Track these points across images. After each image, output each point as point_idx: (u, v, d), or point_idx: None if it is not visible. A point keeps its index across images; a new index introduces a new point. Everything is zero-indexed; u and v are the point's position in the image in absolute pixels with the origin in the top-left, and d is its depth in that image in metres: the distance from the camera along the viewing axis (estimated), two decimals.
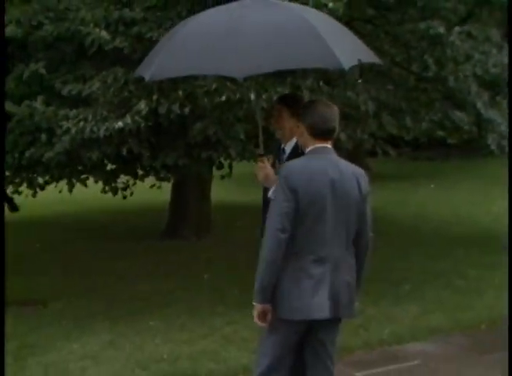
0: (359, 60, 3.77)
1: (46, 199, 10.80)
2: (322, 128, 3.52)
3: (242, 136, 6.15)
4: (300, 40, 3.61)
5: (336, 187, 3.43)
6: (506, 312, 5.10)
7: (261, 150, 4.14)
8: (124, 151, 5.91)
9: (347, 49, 3.73)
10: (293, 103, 4.25)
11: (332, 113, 3.56)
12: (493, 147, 7.76)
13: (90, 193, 8.62)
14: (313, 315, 3.44)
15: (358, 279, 3.62)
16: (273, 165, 4.18)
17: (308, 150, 3.57)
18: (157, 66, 3.79)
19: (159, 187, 9.13)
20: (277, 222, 3.34)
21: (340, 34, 3.92)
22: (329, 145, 3.57)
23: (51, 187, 7.67)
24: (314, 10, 4.16)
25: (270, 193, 4.02)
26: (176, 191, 10.53)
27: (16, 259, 8.73)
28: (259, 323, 3.47)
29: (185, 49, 3.72)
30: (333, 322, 3.57)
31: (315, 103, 3.60)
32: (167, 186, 9.91)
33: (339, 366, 5.06)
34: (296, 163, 3.51)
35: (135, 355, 5.46)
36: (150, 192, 10.21)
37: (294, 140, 4.19)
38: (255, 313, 3.45)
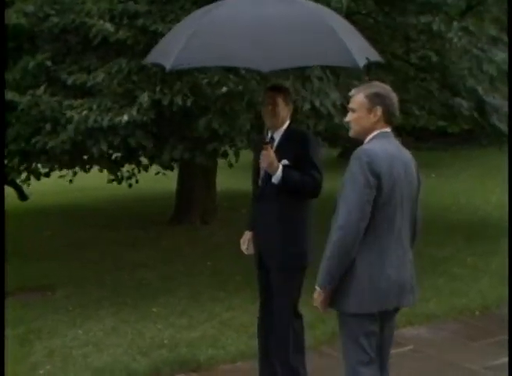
0: (367, 59, 3.77)
1: (54, 188, 10.79)
2: (395, 113, 3.35)
3: (248, 127, 6.05)
4: (320, 38, 3.65)
5: (407, 171, 3.29)
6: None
7: (266, 138, 4.15)
8: (133, 143, 5.83)
9: (359, 48, 3.75)
10: (285, 91, 4.30)
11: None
12: (498, 124, 7.72)
13: (97, 182, 8.58)
14: (388, 304, 3.28)
15: None
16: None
17: (374, 133, 3.32)
18: (180, 55, 3.70)
19: (164, 174, 9.07)
20: (357, 210, 3.12)
21: (351, 33, 3.93)
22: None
23: (58, 177, 7.64)
24: (326, 8, 4.13)
25: (274, 179, 4.08)
26: (182, 179, 10.50)
27: (27, 246, 8.77)
28: (321, 309, 3.30)
29: (205, 39, 3.68)
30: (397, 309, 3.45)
31: (386, 88, 3.38)
32: (173, 174, 9.86)
33: (330, 351, 5.08)
34: (374, 147, 3.25)
35: (137, 341, 5.42)
36: (157, 180, 10.18)
37: (283, 127, 4.25)
38: (320, 298, 3.27)
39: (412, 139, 19.88)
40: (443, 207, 11.66)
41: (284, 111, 4.22)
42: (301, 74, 6.26)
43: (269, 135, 4.27)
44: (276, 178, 4.08)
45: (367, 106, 3.31)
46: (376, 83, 3.42)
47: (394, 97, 3.36)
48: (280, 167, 4.06)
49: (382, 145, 3.26)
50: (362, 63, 3.63)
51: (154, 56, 4.12)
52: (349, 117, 3.39)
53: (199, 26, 3.80)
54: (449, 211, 11.50)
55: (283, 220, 4.17)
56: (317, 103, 6.10)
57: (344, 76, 6.99)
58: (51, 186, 8.90)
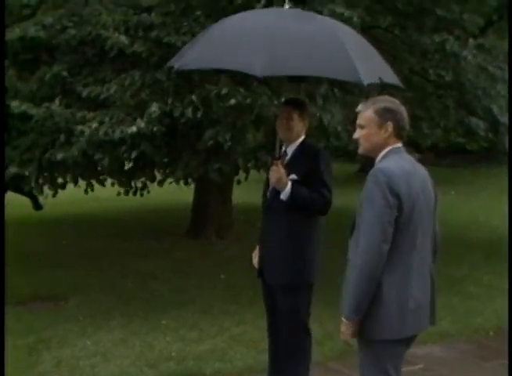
0: (380, 78, 3.75)
1: (68, 198, 10.83)
2: (406, 127, 3.26)
3: (252, 144, 6.03)
4: (326, 51, 3.67)
5: (424, 188, 3.21)
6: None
7: (276, 154, 4.13)
8: (133, 154, 5.83)
9: (370, 67, 3.75)
10: (301, 106, 4.30)
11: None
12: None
13: (111, 192, 8.60)
14: (416, 328, 3.19)
15: None
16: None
17: (386, 150, 3.22)
18: (187, 56, 3.85)
19: (178, 186, 9.04)
20: (380, 232, 3.01)
21: (366, 52, 3.94)
22: None
23: (74, 187, 7.67)
24: (346, 27, 4.15)
25: (282, 195, 4.07)
26: (198, 193, 10.51)
27: (40, 255, 8.80)
28: (349, 340, 3.15)
29: (214, 43, 3.79)
30: None
31: (395, 101, 3.30)
32: (189, 187, 9.85)
33: (339, 367, 5.02)
34: (390, 164, 3.14)
35: (145, 353, 5.39)
36: (172, 192, 10.16)
37: (298, 142, 4.24)
38: (348, 330, 3.10)
39: (432, 155, 19.82)
40: (462, 225, 11.55)
41: (299, 126, 4.22)
42: (305, 91, 6.25)
43: (283, 148, 4.27)
44: (285, 194, 4.06)
45: (377, 122, 3.22)
46: (384, 97, 3.33)
47: (403, 111, 3.27)
48: (289, 184, 4.05)
49: (397, 162, 3.16)
50: (368, 80, 3.60)
51: (172, 60, 4.17)
52: (358, 133, 3.29)
53: (212, 31, 3.95)
54: (468, 229, 11.38)
55: (289, 236, 4.15)
56: (325, 121, 6.05)
57: (355, 95, 6.96)
58: (65, 196, 8.92)
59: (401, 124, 3.24)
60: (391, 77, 3.99)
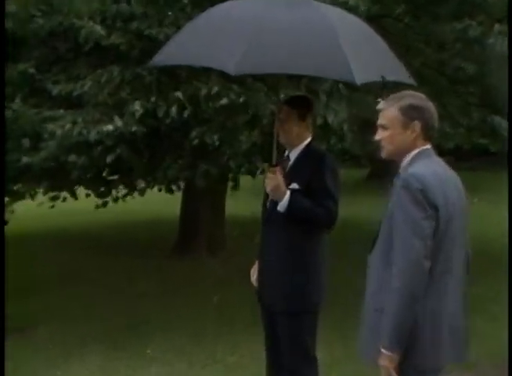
0: (383, 77, 3.73)
1: (39, 211, 10.79)
2: (435, 127, 3.20)
3: (245, 146, 6.01)
4: (316, 46, 3.65)
5: (459, 196, 3.16)
6: None
7: (273, 160, 4.11)
8: (109, 158, 5.80)
9: (368, 64, 3.75)
10: (302, 105, 4.25)
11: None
12: None
13: (89, 204, 8.59)
14: (453, 358, 3.14)
15: None
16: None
17: (414, 152, 3.17)
18: (166, 50, 3.92)
19: (167, 192, 9.08)
20: (419, 248, 2.92)
21: (366, 46, 3.92)
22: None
23: (38, 204, 7.65)
24: (349, 16, 4.16)
25: (279, 207, 4.03)
26: (186, 202, 10.49)
27: (9, 278, 8.72)
28: (393, 374, 3.02)
29: (195, 36, 3.82)
30: None
31: (422, 97, 3.21)
32: (177, 196, 9.85)
33: None
34: (421, 170, 3.07)
35: None
36: (158, 202, 10.14)
37: (302, 146, 4.21)
38: (392, 363, 3.00)
39: (453, 158, 19.83)
40: (489, 237, 11.50)
41: (300, 128, 4.18)
42: (307, 87, 6.27)
43: (286, 153, 4.27)
44: (282, 205, 4.03)
45: (402, 122, 3.16)
46: (409, 93, 3.24)
47: (432, 107, 3.20)
48: (287, 194, 4.02)
49: (428, 167, 3.10)
50: (363, 80, 3.59)
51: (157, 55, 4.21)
52: (380, 135, 3.22)
53: (196, 21, 3.99)
54: (496, 242, 11.34)
55: (289, 249, 4.13)
56: (330, 119, 6.06)
57: (363, 91, 6.97)
58: (37, 209, 8.91)
59: (429, 123, 3.18)
60: (400, 74, 3.98)
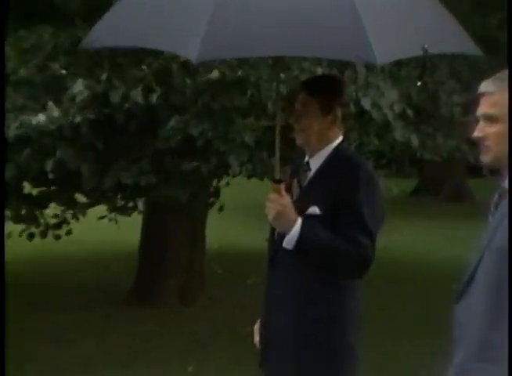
0: (425, 50, 3.69)
1: None
2: None
3: (247, 138, 5.97)
4: (320, 17, 3.71)
5: None
6: None
7: (276, 173, 4.05)
8: (50, 165, 5.74)
9: (401, 36, 3.81)
10: (327, 91, 4.20)
11: None
12: None
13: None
14: None
15: None
16: (288, 189, 4.09)
17: None
18: (98, 30, 4.05)
19: (111, 220, 9.06)
20: None
21: (397, 13, 3.92)
22: None
23: None
24: None
25: (286, 242, 3.98)
26: (149, 228, 10.42)
27: None
28: None
29: (135, 11, 3.96)
30: None
31: None
32: (137, 220, 9.76)
33: None
34: None
35: None
36: (109, 229, 10.08)
37: (327, 151, 4.16)
38: None
39: None
40: None
41: (324, 123, 4.12)
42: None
43: (305, 159, 4.21)
44: (290, 240, 3.96)
45: None
46: None
47: None
48: (298, 223, 3.94)
49: None
50: (388, 58, 3.73)
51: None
52: (483, 130, 3.15)
53: None
54: None
55: (303, 305, 4.09)
56: (366, 105, 6.00)
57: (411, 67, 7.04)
58: None
59: None
60: (460, 43, 4.05)
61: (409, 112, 6.38)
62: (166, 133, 5.90)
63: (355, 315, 4.15)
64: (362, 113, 6.13)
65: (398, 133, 6.27)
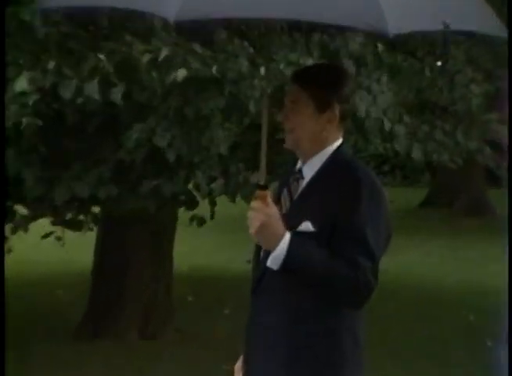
0: (445, 24, 3.74)
1: None
2: None
3: (222, 149, 5.98)
4: None
5: None
6: None
7: (261, 178, 4.03)
8: None
9: (417, 8, 3.86)
10: (322, 83, 4.18)
11: None
12: None
13: None
14: None
15: None
16: (276, 202, 4.09)
17: None
18: None
19: (59, 239, 9.04)
20: None
21: None
22: None
23: None
24: None
25: (270, 262, 3.94)
26: (103, 246, 10.40)
27: None
28: None
29: None
30: None
31: None
32: (89, 235, 9.74)
33: None
34: None
35: None
36: (57, 246, 10.05)
37: (323, 155, 4.15)
38: None
39: None
40: None
41: (318, 122, 4.10)
42: (323, 48, 6.44)
43: (297, 166, 4.21)
44: (275, 259, 3.91)
45: None
46: None
47: None
48: (286, 238, 3.89)
49: None
50: (401, 29, 3.73)
51: None
52: None
53: None
54: None
55: (290, 336, 4.06)
56: (361, 107, 6.09)
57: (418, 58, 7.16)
58: None
59: None
60: (485, 23, 4.09)
61: (406, 118, 6.38)
62: (130, 144, 5.88)
63: (356, 327, 4.14)
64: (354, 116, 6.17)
65: (400, 143, 6.28)
